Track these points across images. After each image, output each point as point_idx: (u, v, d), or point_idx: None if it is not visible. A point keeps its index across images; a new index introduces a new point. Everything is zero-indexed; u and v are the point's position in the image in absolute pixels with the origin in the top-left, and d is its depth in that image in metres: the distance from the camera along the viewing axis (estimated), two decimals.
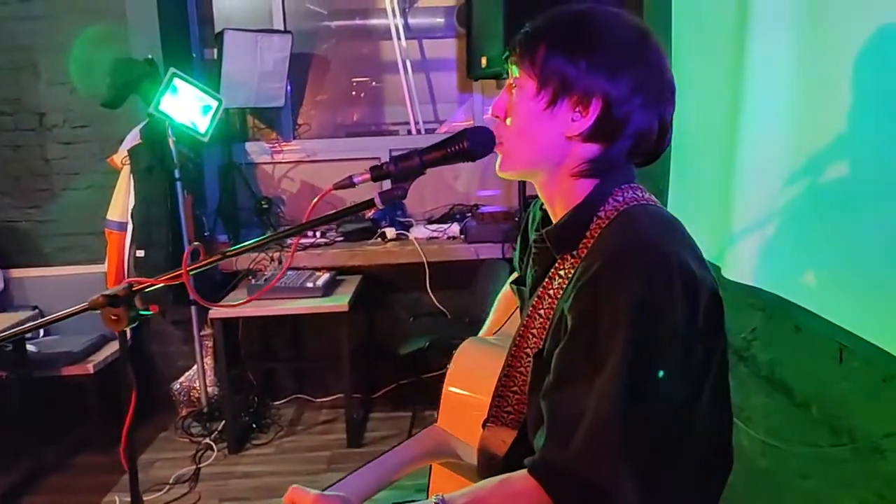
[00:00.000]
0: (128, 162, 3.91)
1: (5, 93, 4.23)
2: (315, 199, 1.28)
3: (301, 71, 4.63)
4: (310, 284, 3.76)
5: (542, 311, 1.20)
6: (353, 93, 4.89)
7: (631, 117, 1.13)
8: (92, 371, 3.80)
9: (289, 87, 4.46)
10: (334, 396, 4.35)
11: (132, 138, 3.93)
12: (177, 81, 3.74)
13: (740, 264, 2.32)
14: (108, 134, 4.16)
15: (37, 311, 4.12)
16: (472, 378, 1.44)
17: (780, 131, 2.08)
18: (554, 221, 1.23)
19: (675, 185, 2.87)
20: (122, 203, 3.94)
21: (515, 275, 1.51)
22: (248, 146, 4.56)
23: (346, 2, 4.75)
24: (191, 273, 1.32)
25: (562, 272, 1.19)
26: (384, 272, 4.22)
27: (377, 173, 1.22)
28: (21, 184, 4.32)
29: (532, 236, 1.33)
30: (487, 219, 4.13)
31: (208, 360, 4.08)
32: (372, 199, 1.23)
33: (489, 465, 1.28)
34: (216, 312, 3.73)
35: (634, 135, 1.15)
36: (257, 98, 4.25)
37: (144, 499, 3.36)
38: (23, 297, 4.23)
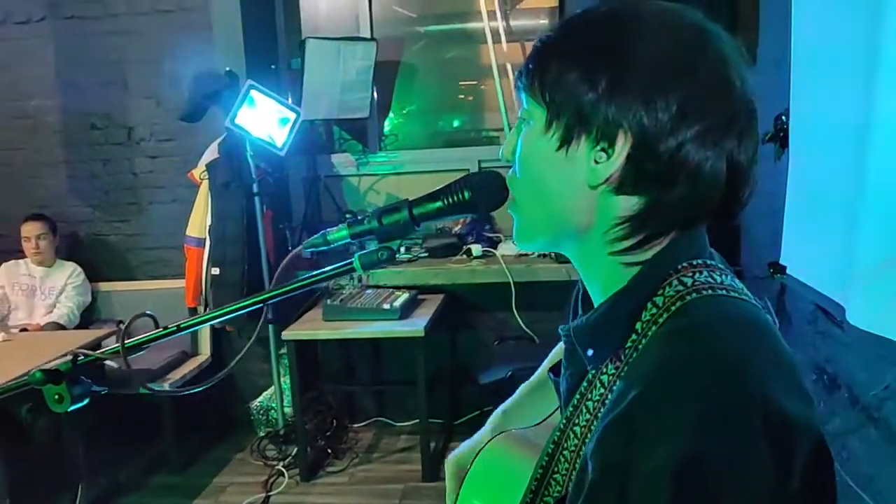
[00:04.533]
0: (206, 177, 3.76)
1: (96, 107, 4.20)
2: (284, 261, 1.00)
3: (388, 79, 4.37)
4: (386, 306, 3.48)
5: (577, 430, 0.84)
6: (446, 101, 4.60)
7: (681, 154, 0.76)
8: (168, 390, 3.66)
9: (375, 97, 4.22)
10: (415, 421, 4.06)
11: (210, 153, 3.79)
12: (254, 94, 3.56)
13: (869, 308, 1.85)
14: (192, 147, 4.04)
15: (121, 326, 4.04)
16: (496, 490, 1.09)
17: None
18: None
19: (791, 205, 2.41)
20: (200, 219, 3.80)
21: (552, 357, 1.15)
22: (334, 158, 4.35)
23: (441, 5, 4.46)
24: (140, 344, 1.08)
25: (604, 377, 0.82)
26: (468, 291, 3.90)
27: (356, 230, 0.95)
28: (110, 197, 4.27)
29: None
30: None
31: (287, 381, 3.87)
32: (352, 263, 0.97)
33: None
34: (289, 333, 3.51)
35: (690, 179, 0.77)
36: (340, 109, 4.03)
37: None
38: (109, 311, 4.17)
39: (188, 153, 4.07)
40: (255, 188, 3.70)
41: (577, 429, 0.83)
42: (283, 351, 3.83)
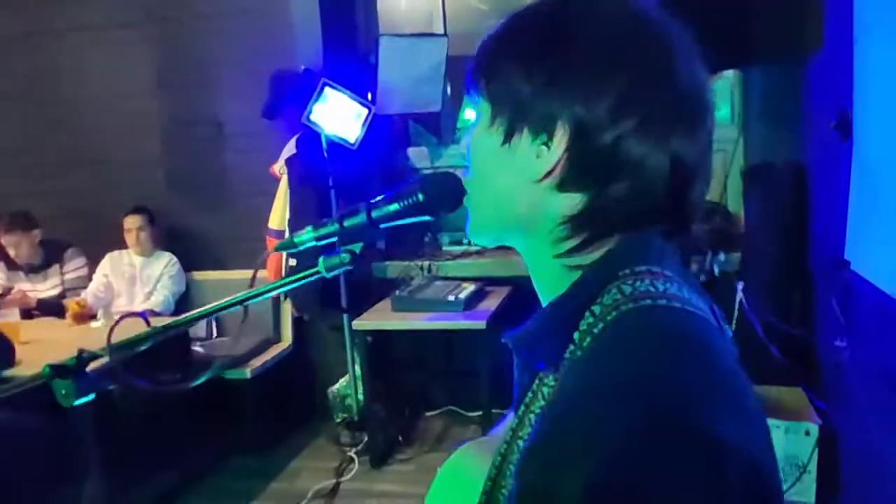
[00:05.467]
0: (285, 171, 3.86)
1: (189, 105, 4.38)
2: (257, 267, 1.13)
3: (462, 73, 4.32)
4: (451, 298, 3.48)
5: (520, 443, 0.80)
6: None
7: (621, 148, 0.72)
8: (249, 376, 3.80)
9: (448, 91, 4.20)
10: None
11: (289, 148, 3.89)
12: (328, 90, 3.63)
13: None
14: (276, 142, 4.14)
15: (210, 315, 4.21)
16: (457, 499, 1.05)
17: None
18: None
19: (855, 197, 2.22)
20: (280, 212, 3.91)
21: None
22: (410, 151, 4.36)
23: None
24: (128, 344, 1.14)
25: (545, 389, 0.78)
26: None
27: (320, 232, 0.97)
28: (202, 191, 4.45)
29: None
30: None
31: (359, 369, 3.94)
32: (317, 268, 1.00)
33: None
34: (359, 324, 3.57)
35: (631, 175, 0.73)
36: (413, 103, 4.04)
37: None
38: (201, 300, 4.34)
39: (273, 148, 4.18)
40: (329, 182, 3.77)
41: (520, 442, 0.80)
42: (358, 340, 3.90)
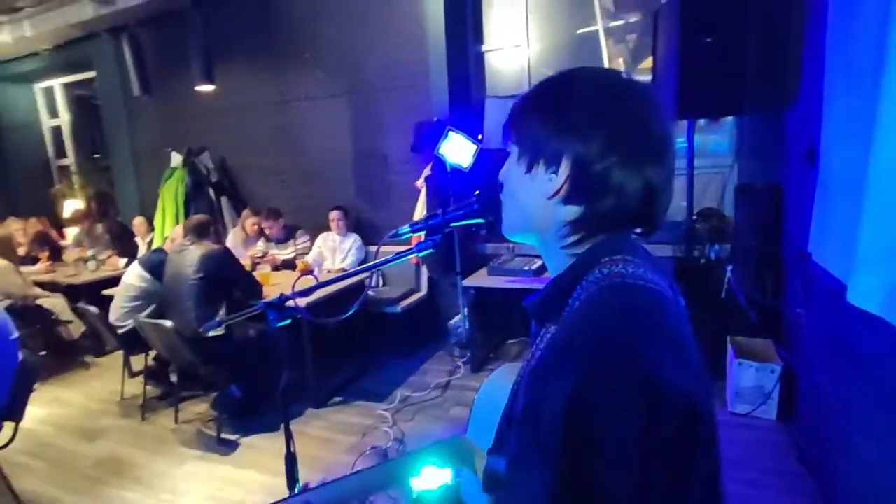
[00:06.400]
0: (424, 186, 3.85)
1: (368, 145, 4.45)
2: (377, 248, 1.06)
3: None
4: (526, 268, 3.36)
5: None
6: None
7: (608, 175, 0.68)
8: (400, 310, 3.85)
9: None
10: None
11: (426, 171, 3.86)
12: (451, 133, 3.56)
13: (866, 290, 1.41)
14: (419, 167, 4.15)
15: (379, 273, 4.29)
16: (490, 412, 0.98)
17: None
18: None
19: (818, 206, 1.91)
20: (420, 211, 3.90)
21: None
22: None
23: (580, 64, 4.11)
24: (304, 291, 1.21)
25: (548, 336, 0.74)
26: None
27: (415, 227, 0.94)
28: (375, 197, 4.52)
29: None
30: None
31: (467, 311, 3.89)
32: (413, 249, 0.98)
33: (490, 488, 0.86)
34: (466, 282, 3.54)
35: (615, 194, 0.69)
36: None
37: (413, 395, 3.32)
38: None
39: (417, 171, 4.19)
40: (451, 193, 3.72)
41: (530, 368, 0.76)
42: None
